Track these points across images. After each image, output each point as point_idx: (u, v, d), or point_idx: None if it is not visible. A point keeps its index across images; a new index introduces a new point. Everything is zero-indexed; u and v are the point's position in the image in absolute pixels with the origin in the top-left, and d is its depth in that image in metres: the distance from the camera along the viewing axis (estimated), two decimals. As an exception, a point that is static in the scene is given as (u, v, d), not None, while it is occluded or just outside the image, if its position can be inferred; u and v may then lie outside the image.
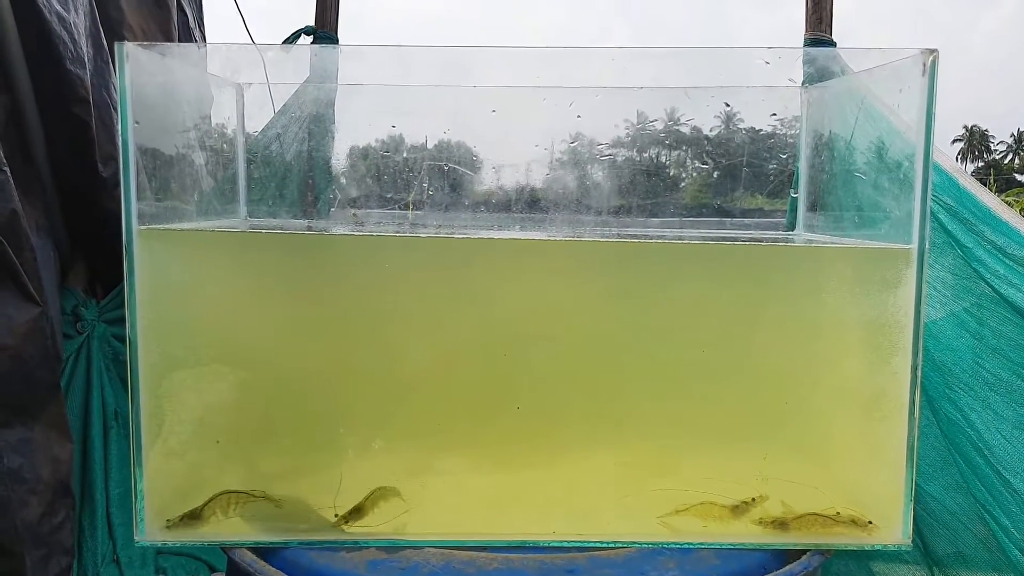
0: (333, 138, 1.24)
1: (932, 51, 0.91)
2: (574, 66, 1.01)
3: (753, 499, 1.00)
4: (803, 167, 1.27)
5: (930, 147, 0.92)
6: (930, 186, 0.93)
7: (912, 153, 0.94)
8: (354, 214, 1.28)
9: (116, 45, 0.85)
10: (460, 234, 1.14)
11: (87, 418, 1.56)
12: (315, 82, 1.18)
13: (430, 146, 1.20)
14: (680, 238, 1.24)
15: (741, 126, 1.24)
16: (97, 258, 1.60)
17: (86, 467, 1.55)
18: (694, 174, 1.31)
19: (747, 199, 1.32)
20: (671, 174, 1.29)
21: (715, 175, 1.30)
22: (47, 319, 1.32)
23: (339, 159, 1.29)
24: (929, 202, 0.93)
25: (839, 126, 1.19)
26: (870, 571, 1.70)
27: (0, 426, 1.22)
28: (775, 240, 1.31)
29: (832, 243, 1.18)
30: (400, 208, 1.23)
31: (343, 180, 1.27)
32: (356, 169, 1.24)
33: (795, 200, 1.33)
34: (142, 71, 0.89)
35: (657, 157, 1.25)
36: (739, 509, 1.00)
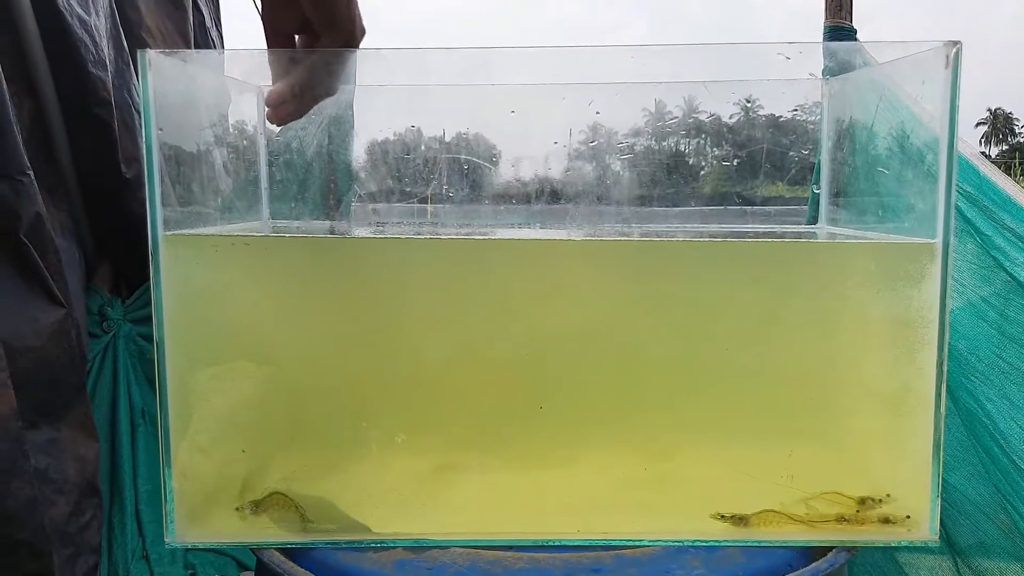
0: (352, 139, 1.24)
1: (955, 43, 0.90)
2: (592, 64, 1.01)
3: (881, 499, 0.99)
4: (825, 160, 1.26)
5: (954, 141, 0.91)
6: (954, 180, 0.92)
7: (935, 147, 0.93)
8: (374, 209, 1.29)
9: (139, 53, 0.85)
10: (481, 235, 1.14)
11: (115, 416, 1.58)
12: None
13: (449, 140, 1.21)
14: (701, 234, 1.24)
15: (762, 115, 1.24)
16: (122, 258, 1.62)
17: (115, 465, 1.58)
18: (713, 162, 1.31)
19: (767, 186, 1.31)
20: (690, 168, 1.29)
21: (735, 169, 1.29)
22: (72, 320, 1.33)
23: (359, 155, 1.30)
24: (954, 196, 0.92)
25: (861, 119, 1.18)
26: (896, 561, 1.70)
27: (27, 427, 1.23)
28: (798, 235, 1.31)
29: (855, 237, 1.18)
30: (419, 202, 1.24)
31: (362, 175, 1.28)
32: (376, 168, 1.25)
33: (816, 195, 1.33)
34: (164, 78, 0.89)
35: (676, 146, 1.25)
36: (866, 504, 1.00)
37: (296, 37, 0.97)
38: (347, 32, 0.93)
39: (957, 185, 0.92)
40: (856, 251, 1.06)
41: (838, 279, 0.99)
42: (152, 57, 0.87)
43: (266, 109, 0.96)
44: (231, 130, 1.22)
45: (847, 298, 0.98)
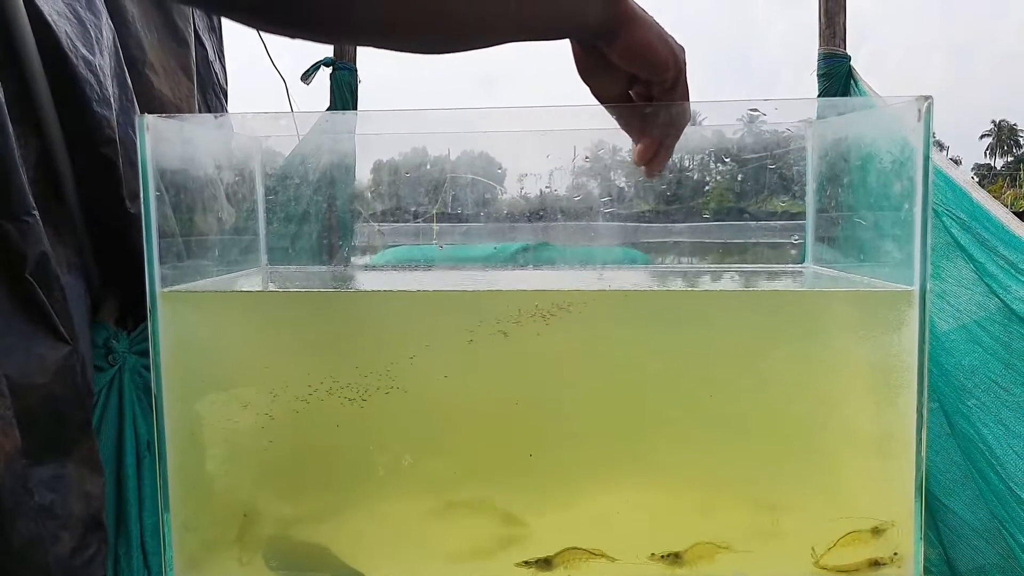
0: (351, 187, 1.27)
1: (927, 98, 0.92)
2: (583, 120, 1.04)
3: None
4: (809, 202, 1.28)
5: (928, 191, 0.93)
6: (930, 229, 0.93)
7: (912, 196, 0.95)
8: (379, 230, 1.31)
9: (137, 118, 0.88)
10: (473, 288, 1.17)
11: (121, 449, 1.60)
12: (332, 133, 1.22)
13: (444, 199, 1.23)
14: (688, 274, 1.26)
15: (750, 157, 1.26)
16: (126, 291, 1.64)
17: (121, 497, 1.59)
18: (714, 182, 1.33)
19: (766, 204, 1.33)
20: (675, 214, 1.31)
21: (720, 221, 1.32)
22: (77, 356, 1.35)
23: (363, 176, 1.32)
24: (931, 243, 0.94)
25: (842, 165, 1.20)
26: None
27: (33, 463, 1.25)
28: (784, 274, 1.33)
29: (839, 278, 1.20)
30: (424, 220, 1.26)
31: (367, 195, 1.30)
32: (381, 189, 1.27)
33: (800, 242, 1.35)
34: (162, 140, 0.92)
35: (664, 194, 1.27)
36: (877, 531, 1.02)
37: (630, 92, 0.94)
38: (674, 61, 0.88)
39: (947, 207, 0.93)
40: (838, 299, 1.08)
41: (821, 326, 1.01)
42: (150, 121, 0.89)
43: (641, 169, 0.96)
44: (232, 184, 1.24)
45: (830, 345, 1.00)
